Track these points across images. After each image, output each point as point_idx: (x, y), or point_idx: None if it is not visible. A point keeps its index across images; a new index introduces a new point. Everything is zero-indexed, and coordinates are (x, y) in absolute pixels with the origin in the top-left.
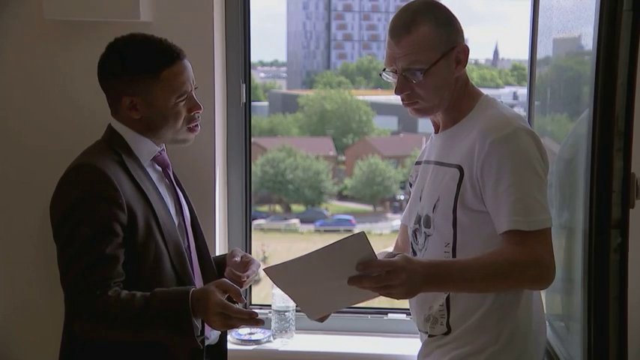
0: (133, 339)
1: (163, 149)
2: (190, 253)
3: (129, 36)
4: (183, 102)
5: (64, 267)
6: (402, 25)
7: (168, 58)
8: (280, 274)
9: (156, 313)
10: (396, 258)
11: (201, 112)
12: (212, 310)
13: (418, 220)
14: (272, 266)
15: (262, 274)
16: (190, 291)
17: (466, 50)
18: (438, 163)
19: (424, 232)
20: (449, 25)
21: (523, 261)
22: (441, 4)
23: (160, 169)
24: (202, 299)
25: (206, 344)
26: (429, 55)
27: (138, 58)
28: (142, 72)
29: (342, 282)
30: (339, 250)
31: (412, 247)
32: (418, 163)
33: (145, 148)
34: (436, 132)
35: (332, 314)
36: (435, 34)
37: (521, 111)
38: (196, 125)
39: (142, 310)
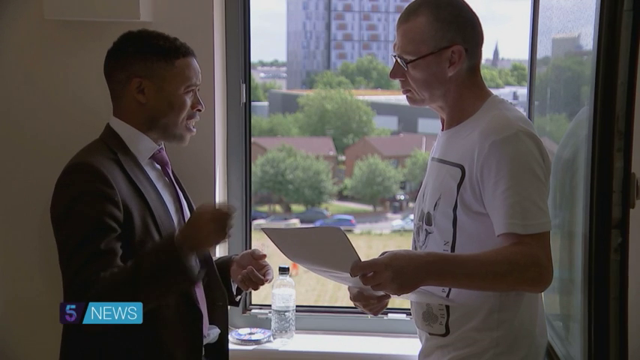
0: (141, 300)
1: (162, 148)
2: None
3: (143, 29)
4: (190, 94)
5: (64, 266)
6: (406, 12)
7: (183, 51)
8: (275, 238)
9: (148, 265)
10: (380, 256)
11: (202, 110)
12: (202, 221)
13: (421, 217)
14: (269, 228)
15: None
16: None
17: (461, 53)
18: (441, 161)
19: (425, 230)
20: (451, 23)
21: (522, 261)
22: (457, 2)
23: (159, 167)
24: (189, 222)
25: (205, 343)
26: (419, 48)
27: (155, 43)
28: (158, 55)
29: (341, 272)
30: (316, 236)
31: (415, 244)
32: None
33: (143, 146)
34: (443, 129)
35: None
36: (429, 28)
37: (520, 111)
38: (194, 125)
39: (136, 267)
